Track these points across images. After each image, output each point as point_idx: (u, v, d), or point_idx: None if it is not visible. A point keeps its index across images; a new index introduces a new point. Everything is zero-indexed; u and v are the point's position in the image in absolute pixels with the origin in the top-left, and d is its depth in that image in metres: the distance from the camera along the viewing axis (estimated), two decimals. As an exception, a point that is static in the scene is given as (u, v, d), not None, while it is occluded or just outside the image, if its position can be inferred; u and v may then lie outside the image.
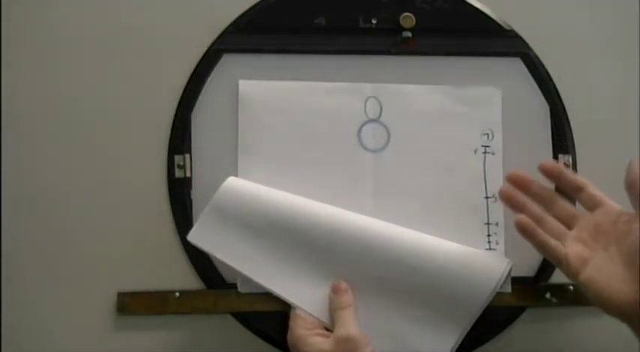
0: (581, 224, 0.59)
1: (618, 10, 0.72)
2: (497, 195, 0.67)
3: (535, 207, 0.60)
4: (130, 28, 0.68)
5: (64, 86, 0.67)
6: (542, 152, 0.69)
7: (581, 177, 0.60)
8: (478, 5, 0.70)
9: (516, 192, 0.61)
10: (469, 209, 0.67)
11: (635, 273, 0.53)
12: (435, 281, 0.61)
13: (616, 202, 0.58)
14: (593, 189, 0.59)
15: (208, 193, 0.65)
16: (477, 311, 0.61)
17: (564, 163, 0.69)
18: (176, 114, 0.67)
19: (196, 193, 0.67)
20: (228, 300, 0.66)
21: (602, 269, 0.55)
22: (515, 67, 0.69)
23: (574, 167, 0.69)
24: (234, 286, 0.65)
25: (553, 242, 0.58)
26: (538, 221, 0.59)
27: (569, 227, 0.59)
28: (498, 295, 0.62)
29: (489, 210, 0.67)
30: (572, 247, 0.58)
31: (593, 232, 0.58)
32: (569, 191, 0.60)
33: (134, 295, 0.66)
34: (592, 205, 0.59)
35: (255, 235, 0.63)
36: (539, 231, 0.58)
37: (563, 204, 0.60)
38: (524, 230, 0.58)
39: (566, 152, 0.69)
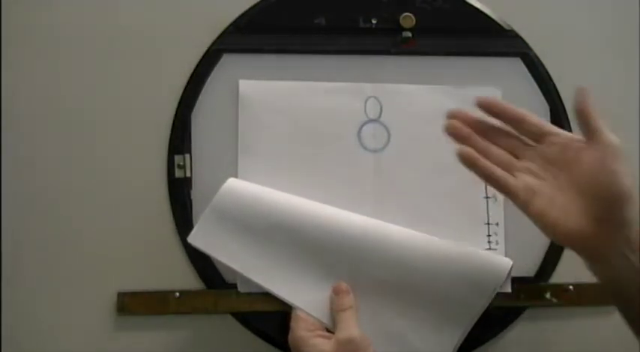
0: (529, 154, 0.57)
1: (618, 10, 0.72)
2: (497, 195, 0.67)
3: (480, 140, 0.58)
4: (130, 28, 0.68)
5: (64, 86, 0.67)
6: (542, 152, 0.69)
7: (520, 109, 0.58)
8: (478, 5, 0.70)
9: (461, 126, 0.58)
10: (469, 209, 0.67)
11: (588, 203, 0.52)
12: (436, 282, 0.61)
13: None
14: (536, 118, 0.57)
15: (208, 193, 0.65)
16: (477, 311, 0.61)
17: None
18: (176, 114, 0.67)
19: (196, 193, 0.67)
20: (228, 300, 0.66)
21: (552, 201, 0.54)
22: (515, 67, 0.69)
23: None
24: (234, 286, 0.65)
25: (499, 172, 0.56)
26: (484, 153, 0.57)
27: (518, 158, 0.57)
28: (498, 295, 0.62)
29: (489, 210, 0.67)
30: (520, 178, 0.56)
31: (542, 162, 0.56)
32: (511, 124, 0.58)
33: (134, 295, 0.66)
34: (538, 135, 0.57)
35: (255, 237, 0.63)
36: (483, 161, 0.57)
37: (508, 135, 0.58)
38: (466, 160, 0.57)
39: (566, 152, 0.69)
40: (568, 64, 0.71)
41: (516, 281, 0.65)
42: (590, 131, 0.53)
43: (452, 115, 0.59)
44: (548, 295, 0.68)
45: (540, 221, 0.54)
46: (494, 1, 0.70)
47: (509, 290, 0.64)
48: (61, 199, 0.66)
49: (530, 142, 0.57)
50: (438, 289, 0.61)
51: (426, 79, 0.68)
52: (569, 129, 0.69)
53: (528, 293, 0.68)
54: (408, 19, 0.68)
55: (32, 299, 0.66)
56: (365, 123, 0.68)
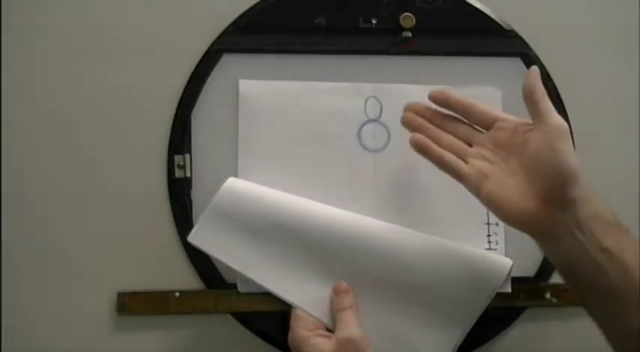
0: (480, 140, 0.59)
1: (618, 10, 0.72)
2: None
3: (433, 128, 0.61)
4: (130, 28, 0.68)
5: (65, 86, 0.67)
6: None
7: (468, 98, 0.60)
8: (478, 5, 0.70)
9: (414, 116, 0.62)
10: (469, 209, 0.66)
11: (535, 184, 0.53)
12: (436, 282, 0.61)
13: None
14: (484, 106, 0.60)
15: (208, 193, 0.65)
16: (477, 311, 0.61)
17: None
18: (176, 114, 0.67)
19: (196, 193, 0.67)
20: (228, 300, 0.66)
21: (502, 183, 0.56)
22: (515, 67, 0.69)
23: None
24: (234, 286, 0.65)
25: (450, 156, 0.59)
26: (437, 140, 0.60)
27: (471, 145, 0.60)
28: (498, 295, 0.62)
29: (489, 210, 0.67)
30: (472, 163, 0.58)
31: (493, 147, 0.58)
32: (460, 113, 0.61)
33: (134, 295, 0.66)
34: (487, 122, 0.59)
35: (255, 236, 0.63)
36: (435, 147, 0.60)
37: (460, 124, 0.61)
38: (418, 146, 0.60)
39: (566, 152, 0.69)
40: (568, 64, 0.71)
41: (516, 281, 0.65)
42: (537, 113, 0.55)
43: (407, 108, 0.62)
44: (548, 295, 0.68)
45: (491, 203, 0.56)
46: (494, 1, 0.70)
47: (509, 290, 0.64)
48: (61, 199, 0.66)
49: (481, 129, 0.60)
50: (438, 289, 0.61)
51: (426, 79, 0.68)
52: (570, 131, 0.69)
53: (528, 293, 0.68)
54: (408, 19, 0.68)
55: (32, 299, 0.66)
56: (365, 123, 0.68)
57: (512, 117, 0.59)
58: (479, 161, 0.58)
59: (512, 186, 0.55)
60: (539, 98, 0.55)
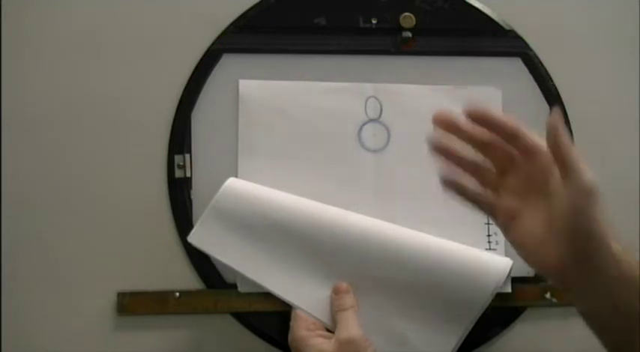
0: (515, 170, 0.53)
1: (618, 9, 0.72)
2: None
3: (466, 155, 0.54)
4: (130, 28, 0.68)
5: (64, 86, 0.67)
6: (542, 152, 0.69)
7: (513, 121, 0.52)
8: (478, 5, 0.70)
9: (446, 142, 0.54)
10: (469, 209, 0.66)
11: (561, 243, 0.50)
12: (436, 282, 0.61)
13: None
14: (528, 136, 0.52)
15: (208, 193, 0.65)
16: (478, 311, 0.61)
17: None
18: (176, 114, 0.67)
19: (196, 193, 0.67)
20: (228, 300, 0.66)
21: (528, 228, 0.52)
22: (515, 67, 0.69)
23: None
24: (234, 286, 0.65)
25: (484, 197, 0.54)
26: (471, 170, 0.54)
27: (505, 171, 0.54)
28: (498, 295, 0.62)
29: (489, 210, 0.67)
30: (503, 199, 0.53)
31: (527, 181, 0.52)
32: (502, 137, 0.53)
33: (134, 295, 0.66)
34: (527, 153, 0.52)
35: (255, 236, 0.63)
36: (469, 190, 0.54)
37: (498, 146, 0.53)
38: (451, 189, 0.55)
39: (566, 152, 0.69)
40: (568, 64, 0.71)
41: (516, 281, 0.65)
42: (565, 169, 0.49)
43: (436, 121, 0.55)
44: (548, 295, 0.68)
45: (519, 249, 0.53)
46: (494, 1, 0.70)
47: (509, 290, 0.64)
48: (61, 199, 0.66)
49: (519, 157, 0.53)
50: (438, 289, 0.61)
51: (426, 79, 0.68)
52: (570, 132, 0.69)
53: (528, 293, 0.68)
54: (408, 19, 0.68)
55: (32, 299, 0.66)
56: (365, 123, 0.68)
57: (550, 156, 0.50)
58: (510, 196, 0.53)
59: (540, 237, 0.51)
60: (565, 153, 0.48)
